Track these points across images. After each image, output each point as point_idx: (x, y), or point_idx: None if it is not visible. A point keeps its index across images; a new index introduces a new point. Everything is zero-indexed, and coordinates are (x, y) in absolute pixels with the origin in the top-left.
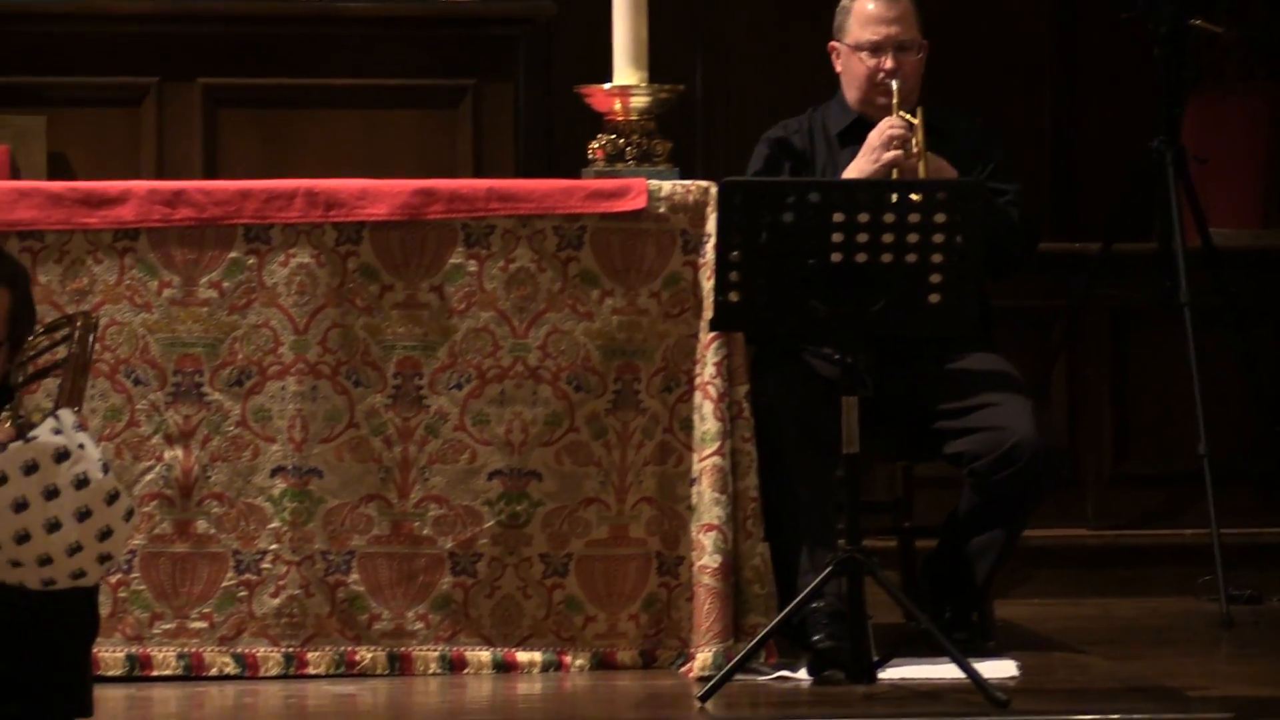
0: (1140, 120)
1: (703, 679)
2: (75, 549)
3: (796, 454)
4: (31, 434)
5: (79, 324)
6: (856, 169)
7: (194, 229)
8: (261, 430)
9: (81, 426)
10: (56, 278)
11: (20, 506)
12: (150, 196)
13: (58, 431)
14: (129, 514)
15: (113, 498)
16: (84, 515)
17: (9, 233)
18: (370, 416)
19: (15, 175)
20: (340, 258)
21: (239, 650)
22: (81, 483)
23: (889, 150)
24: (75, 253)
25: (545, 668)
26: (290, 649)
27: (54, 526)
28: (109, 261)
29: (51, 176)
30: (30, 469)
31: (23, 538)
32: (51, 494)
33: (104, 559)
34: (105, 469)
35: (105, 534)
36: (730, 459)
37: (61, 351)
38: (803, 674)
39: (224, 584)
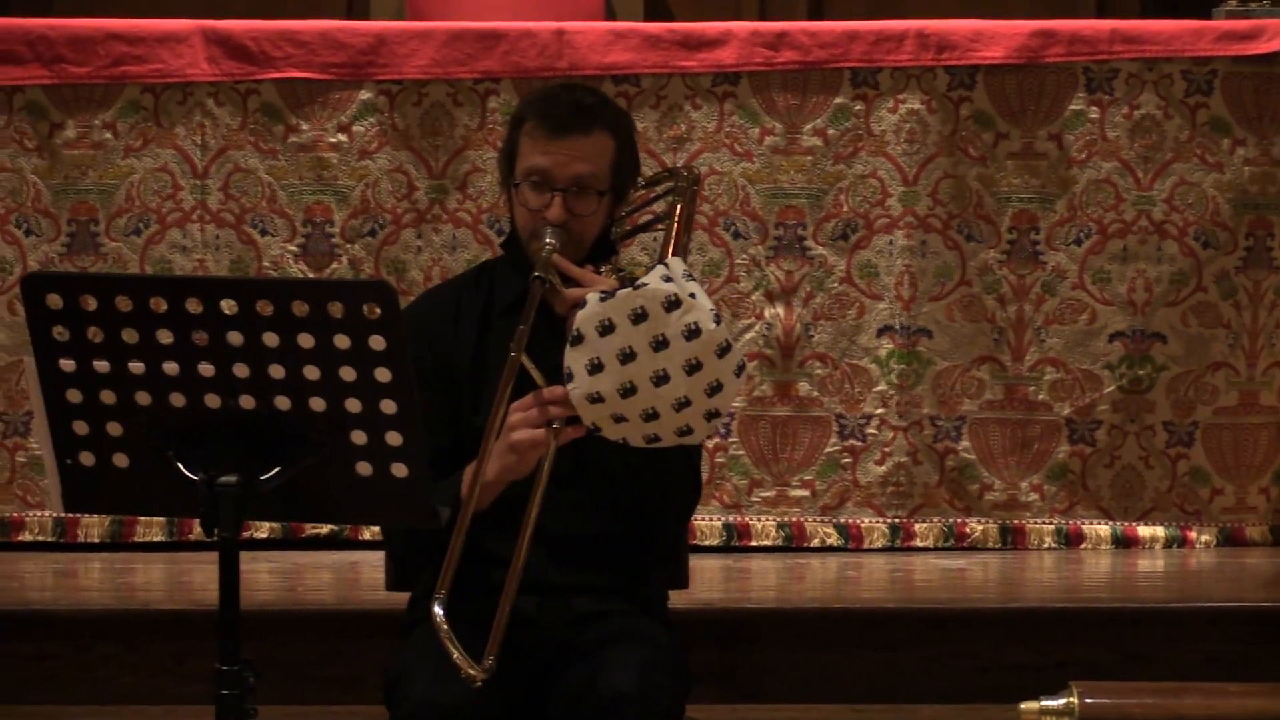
0: None
1: None
2: (683, 404)
3: None
4: (640, 281)
5: (682, 178)
6: None
7: (798, 73)
8: (867, 287)
9: (691, 276)
10: (653, 124)
11: (627, 357)
12: (752, 38)
13: (668, 279)
14: (740, 369)
15: (724, 350)
16: (693, 368)
17: (603, 76)
18: (983, 273)
19: (610, 16)
20: (952, 103)
21: (842, 520)
22: (692, 333)
23: None
24: (672, 97)
25: (1168, 543)
26: (896, 519)
27: (661, 380)
28: (708, 107)
29: (648, 18)
30: (639, 317)
31: (628, 390)
32: (660, 345)
33: (712, 416)
34: (717, 319)
35: (715, 389)
36: None
37: (660, 206)
38: None
39: (827, 450)
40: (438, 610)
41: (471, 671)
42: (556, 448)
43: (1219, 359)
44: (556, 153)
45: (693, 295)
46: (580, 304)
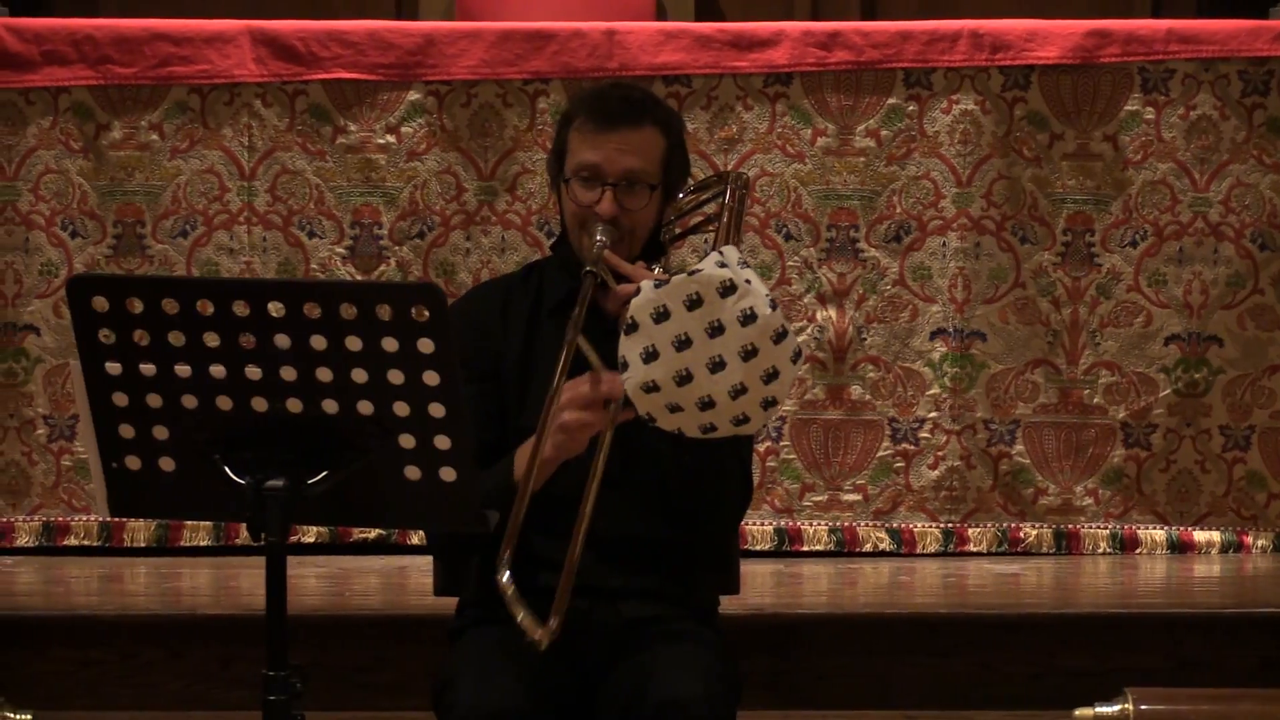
0: None
1: None
2: (739, 391)
3: None
4: (694, 268)
5: (731, 182)
6: None
7: (850, 73)
8: (920, 290)
9: (746, 263)
10: (704, 125)
11: (682, 344)
12: (804, 38)
13: (722, 265)
14: (796, 355)
15: (780, 336)
16: (750, 354)
17: (654, 76)
18: (1037, 275)
19: (662, 16)
20: (1007, 104)
21: (894, 525)
22: (748, 318)
23: None
24: (724, 98)
25: (1225, 548)
26: (949, 524)
27: (718, 366)
28: (759, 108)
29: (699, 18)
30: (694, 304)
31: (684, 378)
32: (716, 331)
33: (768, 404)
34: (773, 305)
35: (771, 376)
36: None
37: (710, 209)
38: None
39: (879, 454)
40: (504, 574)
41: (537, 634)
42: (610, 442)
43: (1276, 362)
44: (606, 146)
45: (748, 281)
46: (633, 295)
